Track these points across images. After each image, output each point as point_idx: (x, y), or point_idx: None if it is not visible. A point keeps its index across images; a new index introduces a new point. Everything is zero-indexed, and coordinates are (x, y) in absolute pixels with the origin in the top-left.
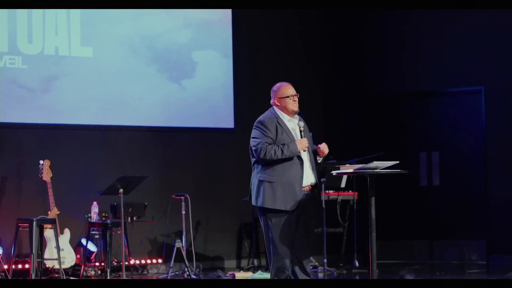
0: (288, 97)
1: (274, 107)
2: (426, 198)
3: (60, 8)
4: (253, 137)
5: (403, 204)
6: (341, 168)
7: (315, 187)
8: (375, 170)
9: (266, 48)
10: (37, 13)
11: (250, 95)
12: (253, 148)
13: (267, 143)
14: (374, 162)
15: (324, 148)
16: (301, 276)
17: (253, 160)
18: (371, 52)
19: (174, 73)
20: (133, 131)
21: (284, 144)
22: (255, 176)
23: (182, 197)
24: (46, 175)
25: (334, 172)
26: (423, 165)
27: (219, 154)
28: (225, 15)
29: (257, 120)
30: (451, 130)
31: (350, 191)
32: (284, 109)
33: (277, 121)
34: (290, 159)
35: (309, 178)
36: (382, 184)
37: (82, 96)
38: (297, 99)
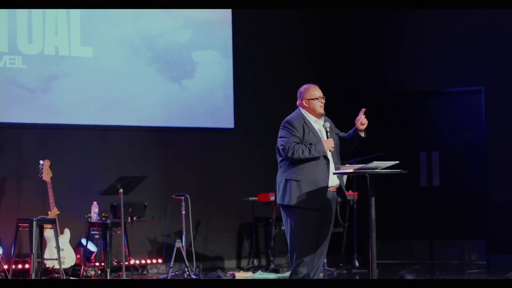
0: (317, 99)
1: (301, 108)
2: (426, 198)
3: (60, 8)
4: (280, 137)
5: (403, 204)
6: (341, 168)
7: (340, 190)
8: (375, 170)
9: (266, 48)
10: (37, 13)
11: (250, 95)
12: (281, 148)
13: (294, 142)
14: (374, 162)
15: (362, 119)
16: (313, 275)
17: (279, 159)
18: (371, 52)
19: (174, 73)
20: (133, 131)
21: (311, 144)
22: (281, 175)
23: (182, 197)
24: (46, 175)
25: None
26: (423, 165)
27: (219, 154)
28: (225, 15)
29: (285, 120)
30: (451, 130)
31: (350, 191)
32: (312, 110)
33: (304, 122)
34: (316, 158)
35: (334, 178)
36: (382, 184)
37: (82, 96)
38: (323, 101)
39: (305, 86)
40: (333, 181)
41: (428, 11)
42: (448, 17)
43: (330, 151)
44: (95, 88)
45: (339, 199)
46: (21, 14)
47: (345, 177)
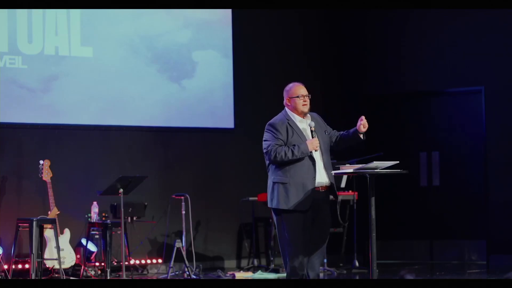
0: (298, 97)
1: (286, 108)
2: (426, 198)
3: (60, 8)
4: (264, 140)
5: (403, 204)
6: (341, 168)
7: (331, 189)
8: (375, 170)
9: (266, 48)
10: (37, 13)
11: (250, 95)
12: (264, 151)
13: (277, 144)
14: (374, 162)
15: (364, 122)
16: (312, 276)
17: (267, 162)
18: (371, 52)
19: (174, 73)
20: (133, 131)
21: (294, 145)
22: (270, 178)
23: (182, 197)
24: (46, 175)
25: (333, 172)
26: (423, 165)
27: (219, 154)
28: (225, 15)
29: (268, 122)
30: (451, 130)
31: (350, 191)
32: (294, 109)
33: (288, 123)
34: (301, 159)
35: (322, 178)
36: (382, 184)
37: (82, 96)
38: (307, 100)
39: (289, 84)
40: (322, 181)
41: (428, 11)
42: (448, 17)
43: (315, 150)
44: (95, 88)
45: (338, 200)
46: (21, 14)
47: (345, 177)
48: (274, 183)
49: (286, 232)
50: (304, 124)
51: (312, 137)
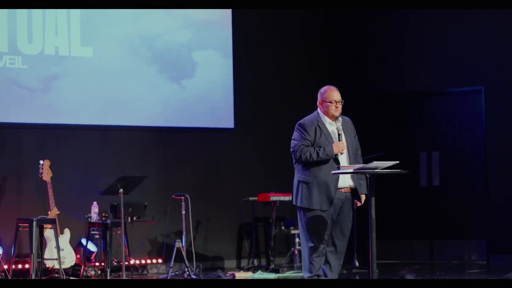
0: (331, 102)
1: (318, 109)
2: (426, 198)
3: (60, 8)
4: (292, 139)
5: (403, 204)
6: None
7: (355, 192)
8: (375, 170)
9: (266, 48)
10: (37, 13)
11: (250, 95)
12: (291, 150)
13: (303, 145)
14: (374, 162)
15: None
16: (329, 275)
17: (294, 161)
18: (371, 52)
19: (174, 73)
20: (133, 131)
21: (320, 147)
22: (296, 176)
23: (182, 197)
24: (46, 175)
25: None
26: (423, 165)
27: (219, 154)
28: (225, 15)
29: (298, 122)
30: (451, 130)
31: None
32: (326, 113)
33: (317, 124)
34: (326, 161)
35: (346, 180)
36: (382, 184)
37: (82, 96)
38: (340, 105)
39: (325, 87)
40: (345, 183)
41: (428, 11)
42: (448, 17)
43: (341, 154)
44: (95, 88)
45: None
46: (21, 14)
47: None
48: (299, 181)
49: (306, 229)
50: (334, 127)
51: (339, 141)
